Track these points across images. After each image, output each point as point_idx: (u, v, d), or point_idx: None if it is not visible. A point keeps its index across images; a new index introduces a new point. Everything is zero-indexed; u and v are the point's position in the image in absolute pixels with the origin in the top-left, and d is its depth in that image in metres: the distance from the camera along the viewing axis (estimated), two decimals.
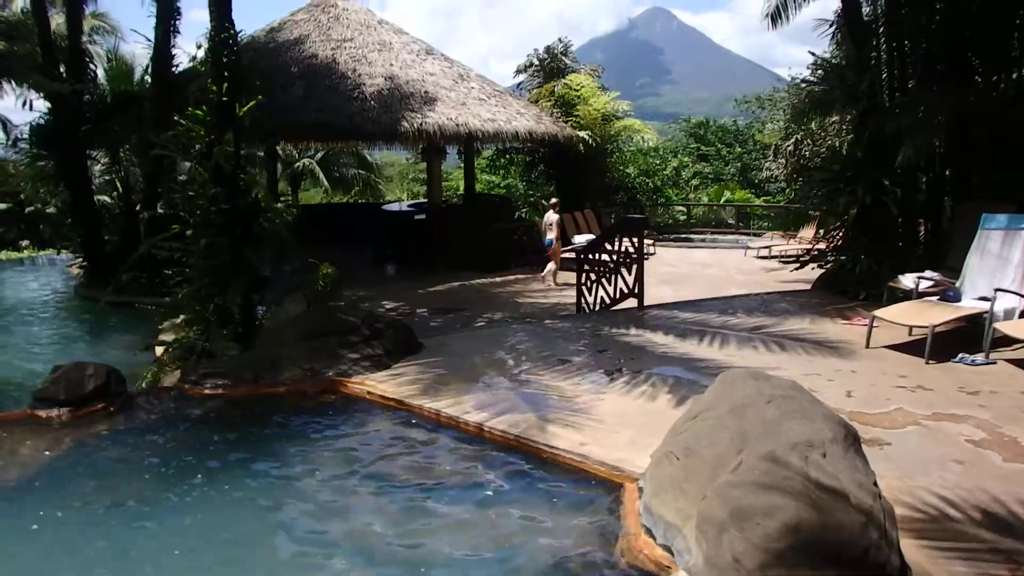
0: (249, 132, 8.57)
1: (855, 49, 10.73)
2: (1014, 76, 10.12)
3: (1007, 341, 6.98)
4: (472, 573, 3.71)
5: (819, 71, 12.36)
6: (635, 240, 9.85)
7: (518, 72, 22.87)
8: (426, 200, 19.55)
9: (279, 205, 9.46)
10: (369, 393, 6.38)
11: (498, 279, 13.33)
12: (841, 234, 10.83)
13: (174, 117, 8.58)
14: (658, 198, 23.81)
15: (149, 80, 15.87)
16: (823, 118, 16.12)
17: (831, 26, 12.35)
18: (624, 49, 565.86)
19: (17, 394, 7.03)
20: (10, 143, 23.66)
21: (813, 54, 12.22)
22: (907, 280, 8.44)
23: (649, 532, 3.67)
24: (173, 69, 14.70)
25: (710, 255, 17.15)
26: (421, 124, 14.17)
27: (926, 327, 6.89)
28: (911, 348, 7.24)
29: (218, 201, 7.97)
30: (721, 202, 24.72)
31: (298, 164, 29.97)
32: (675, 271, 14.06)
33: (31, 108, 19.25)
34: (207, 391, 6.58)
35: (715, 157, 30.19)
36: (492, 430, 5.31)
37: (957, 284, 7.86)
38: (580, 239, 14.08)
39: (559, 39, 22.48)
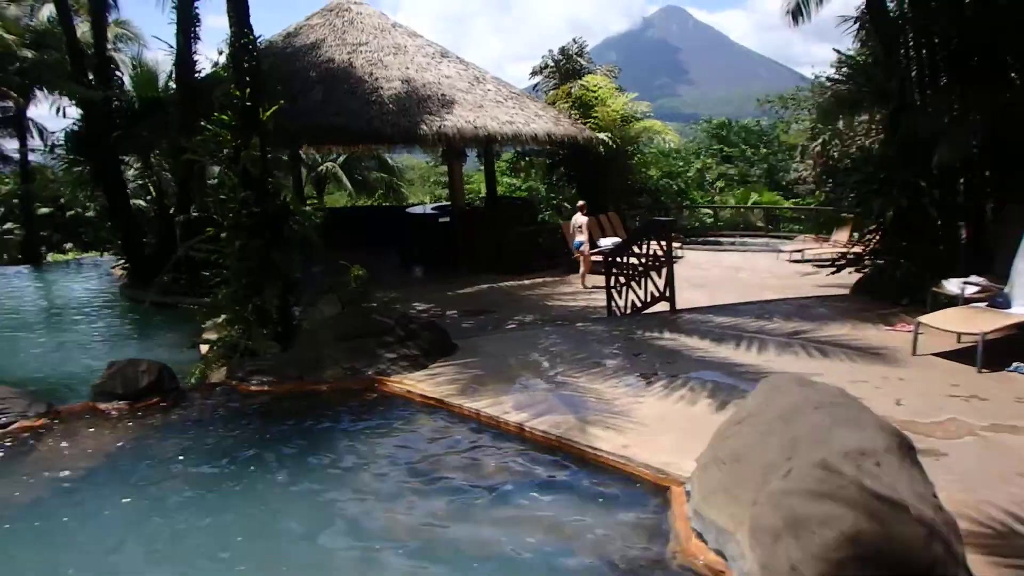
0: (273, 136, 8.74)
1: (882, 46, 10.43)
2: None
3: None
4: (525, 566, 3.76)
5: (844, 69, 12.12)
6: (663, 243, 9.84)
7: (533, 74, 22.75)
8: (449, 203, 19.61)
9: (307, 208, 9.61)
10: (409, 392, 6.50)
11: (525, 281, 13.35)
12: (878, 237, 10.54)
13: (200, 122, 8.76)
14: (683, 200, 23.66)
15: (173, 86, 16.17)
16: (851, 117, 15.87)
17: (855, 23, 12.13)
18: (639, 49, 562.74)
19: (81, 388, 7.33)
20: (47, 149, 24.28)
21: (839, 52, 12.02)
22: (952, 285, 8.08)
23: (700, 536, 3.69)
24: (196, 75, 14.96)
25: (741, 259, 16.97)
26: (440, 127, 14.21)
27: (976, 334, 6.62)
28: (960, 356, 6.93)
29: (248, 204, 8.19)
30: (749, 204, 24.51)
31: (321, 168, 30.26)
32: (706, 275, 13.97)
33: (64, 115, 19.71)
34: (253, 387, 6.83)
35: (740, 158, 29.93)
36: (533, 430, 5.37)
37: (1005, 290, 7.50)
38: (606, 242, 14.07)
39: (573, 40, 22.30)
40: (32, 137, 27.00)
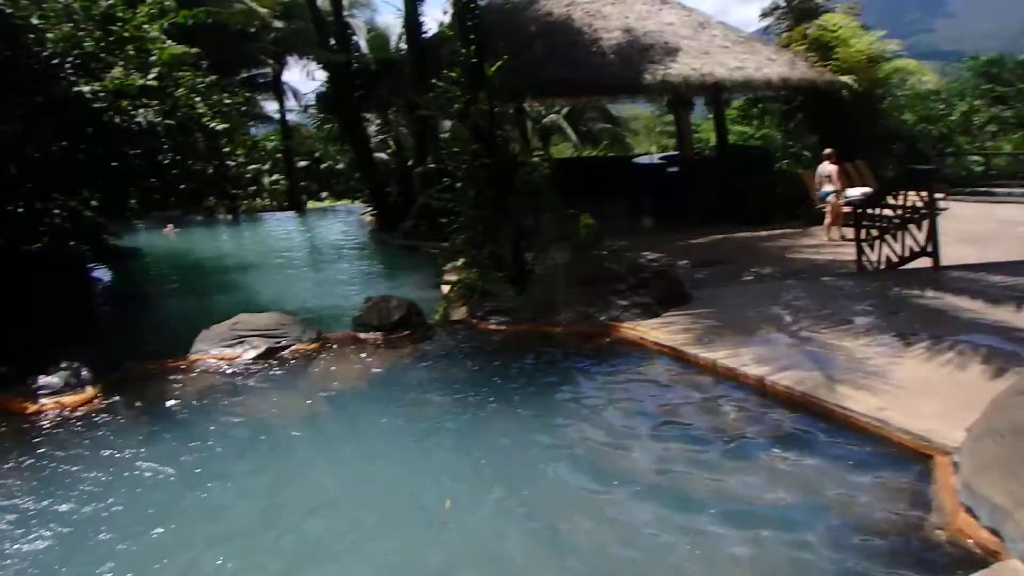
0: (499, 91, 9.02)
1: None
2: None
3: None
4: (764, 519, 3.65)
5: None
6: (924, 193, 8.86)
7: (763, 16, 21.42)
8: (676, 153, 19.15)
9: (534, 159, 9.90)
10: (642, 339, 6.50)
11: (762, 233, 12.68)
12: None
13: (431, 80, 9.23)
14: (945, 148, 21.10)
15: (404, 47, 17.21)
16: None
17: None
18: None
19: (343, 318, 8.21)
20: (302, 109, 27.24)
21: None
22: None
23: (969, 511, 3.36)
24: (423, 35, 15.76)
25: (1019, 211, 14.77)
26: (664, 75, 13.83)
27: None
28: None
29: (479, 156, 8.60)
30: None
31: (546, 120, 30.81)
32: (975, 229, 12.33)
33: (313, 78, 21.85)
34: (492, 326, 7.33)
35: (1017, 99, 26.02)
36: (775, 385, 5.15)
37: None
38: (853, 192, 12.95)
39: None
40: (288, 99, 30.42)
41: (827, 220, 12.10)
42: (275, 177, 31.74)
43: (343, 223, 22.61)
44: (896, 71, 18.47)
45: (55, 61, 8.38)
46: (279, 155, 31.14)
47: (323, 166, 31.39)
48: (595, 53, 14.49)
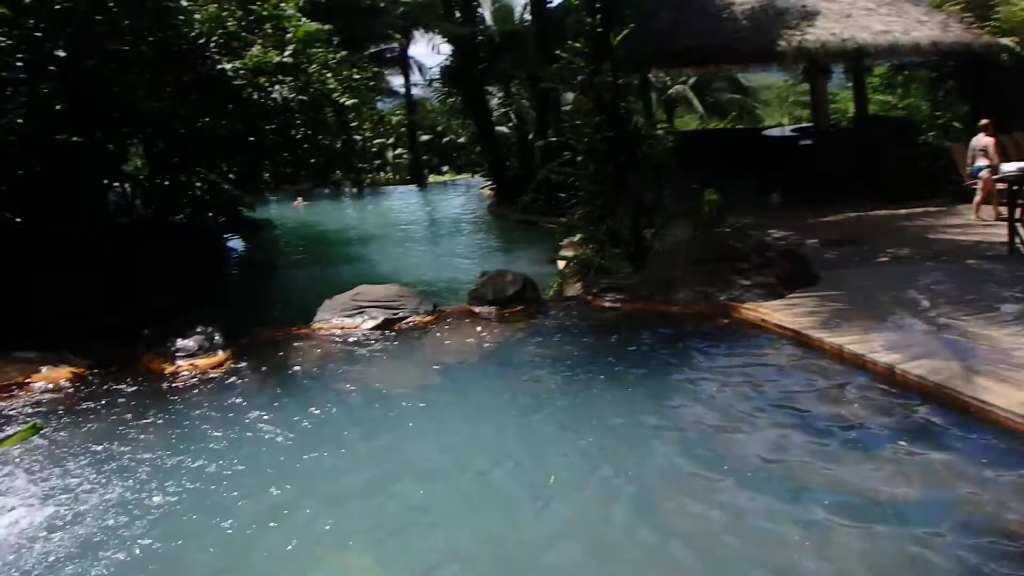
0: (624, 61, 8.76)
1: None
2: None
3: None
4: (885, 515, 3.47)
5: None
6: None
7: None
8: (811, 124, 18.16)
9: (658, 132, 9.60)
10: (764, 321, 6.26)
11: (902, 211, 11.80)
12: None
13: (555, 51, 9.10)
14: None
15: (528, 18, 17.06)
16: None
17: None
18: None
19: (459, 291, 8.38)
20: (427, 83, 27.76)
21: None
22: None
23: None
24: (548, 5, 15.56)
25: None
26: (800, 41, 12.92)
27: None
28: None
29: (602, 129, 8.42)
30: None
31: (671, 91, 29.89)
32: None
33: (438, 52, 22.16)
34: (607, 303, 7.27)
35: None
36: (906, 374, 4.86)
37: None
38: (1009, 167, 11.79)
39: None
40: (413, 73, 30.99)
41: (977, 197, 11.10)
42: (399, 151, 32.61)
43: (463, 197, 22.98)
44: None
45: (201, 41, 8.93)
46: (403, 129, 31.92)
47: (445, 140, 31.91)
48: (726, 19, 13.76)
